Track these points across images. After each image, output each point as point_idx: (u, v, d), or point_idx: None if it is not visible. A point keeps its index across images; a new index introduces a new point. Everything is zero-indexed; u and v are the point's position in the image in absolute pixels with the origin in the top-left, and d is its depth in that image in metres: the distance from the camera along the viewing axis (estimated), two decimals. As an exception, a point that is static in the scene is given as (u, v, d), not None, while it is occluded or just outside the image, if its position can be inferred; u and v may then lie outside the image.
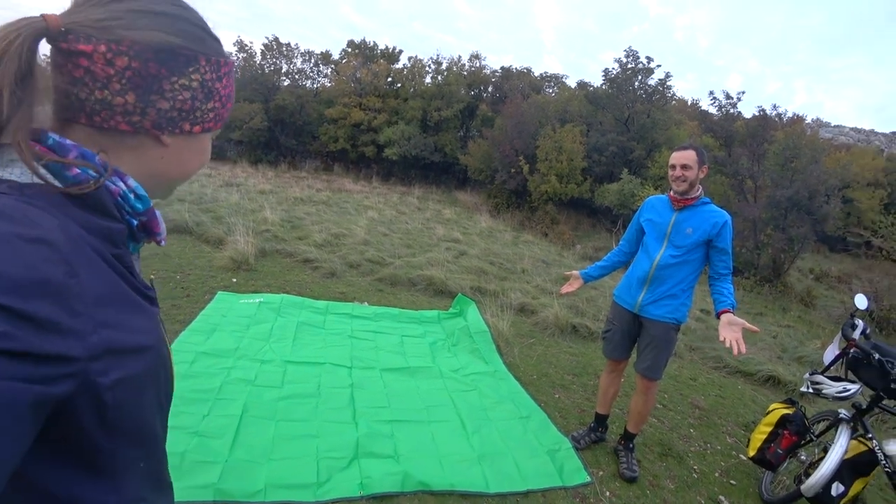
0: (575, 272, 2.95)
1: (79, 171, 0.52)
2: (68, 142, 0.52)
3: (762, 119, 14.10)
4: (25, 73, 0.48)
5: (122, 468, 0.56)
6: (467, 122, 24.07)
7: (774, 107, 14.81)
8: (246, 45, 25.09)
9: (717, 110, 16.60)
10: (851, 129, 33.17)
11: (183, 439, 2.35)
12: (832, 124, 33.35)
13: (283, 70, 26.05)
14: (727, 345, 2.21)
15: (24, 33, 0.48)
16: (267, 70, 25.18)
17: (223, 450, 2.32)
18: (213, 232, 6.49)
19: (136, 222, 0.60)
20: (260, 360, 3.27)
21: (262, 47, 25.39)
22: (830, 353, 2.78)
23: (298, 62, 26.44)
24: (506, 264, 8.16)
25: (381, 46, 26.18)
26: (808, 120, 23.76)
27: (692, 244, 2.51)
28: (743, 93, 17.18)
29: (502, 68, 25.35)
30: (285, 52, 25.77)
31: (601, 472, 2.74)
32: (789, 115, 18.27)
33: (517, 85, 23.28)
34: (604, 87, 19.09)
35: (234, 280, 5.03)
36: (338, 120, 23.58)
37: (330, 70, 26.69)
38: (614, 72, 18.03)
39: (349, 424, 2.70)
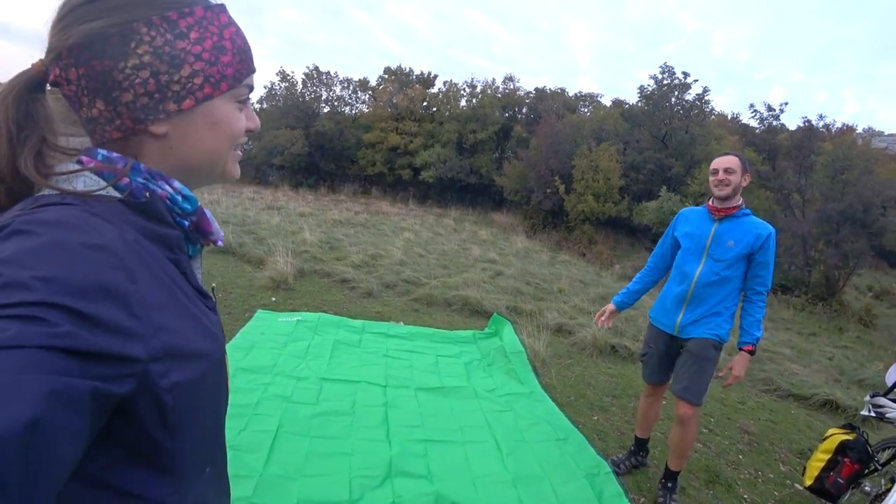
0: (609, 306, 2.75)
1: (128, 179, 0.54)
2: (115, 155, 0.54)
3: (808, 130, 13.56)
4: (23, 118, 0.51)
5: (185, 470, 0.57)
6: (502, 143, 24.20)
7: (821, 117, 14.18)
8: (288, 75, 26.18)
9: (759, 123, 16.11)
10: None
11: None
12: (885, 133, 31.75)
13: (323, 97, 26.99)
14: (723, 376, 2.44)
15: (16, 85, 0.51)
16: (308, 98, 26.13)
17: (258, 464, 2.34)
18: (254, 252, 6.69)
19: (187, 223, 0.60)
20: (296, 377, 3.31)
21: (303, 76, 26.43)
22: (893, 373, 2.59)
23: (338, 89, 27.37)
24: (542, 284, 8.05)
25: (417, 72, 26.81)
26: (860, 129, 22.70)
27: (734, 258, 2.33)
28: (786, 104, 16.67)
29: (536, 89, 25.50)
30: (325, 80, 26.72)
31: (642, 500, 2.61)
32: (838, 125, 17.55)
33: (551, 105, 23.30)
34: (639, 104, 18.86)
35: (274, 299, 5.15)
36: (375, 144, 24.15)
37: (368, 96, 27.48)
38: (650, 88, 17.82)
39: (383, 443, 2.68)
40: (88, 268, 0.43)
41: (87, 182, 0.52)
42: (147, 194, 0.54)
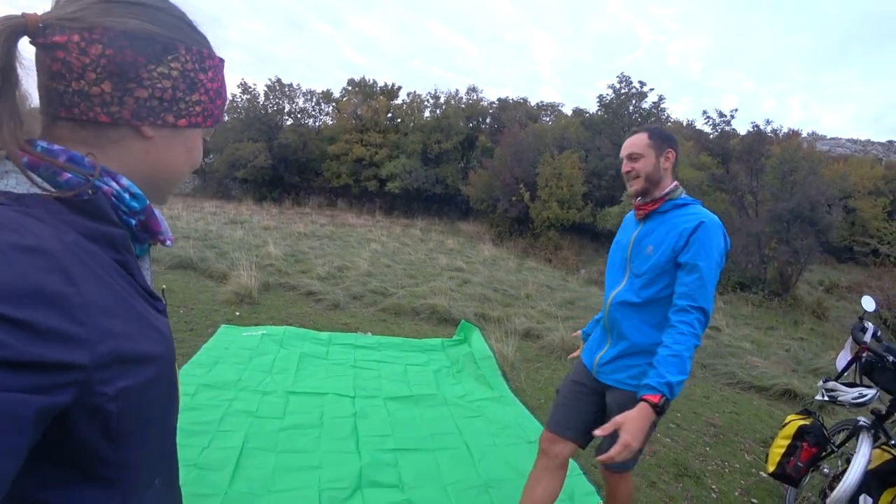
0: (579, 337, 2.21)
1: (70, 175, 0.51)
2: (56, 147, 0.52)
3: (757, 134, 14.23)
4: (6, 68, 0.48)
5: (131, 482, 0.54)
6: (467, 153, 24.41)
7: (768, 122, 14.95)
8: (249, 87, 25.77)
9: (712, 129, 16.80)
10: (848, 140, 33.25)
11: (182, 472, 2.26)
12: (828, 136, 33.49)
13: (286, 110, 26.67)
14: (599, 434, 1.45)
15: (5, 30, 0.48)
16: (270, 110, 25.78)
17: (223, 482, 2.27)
18: (216, 267, 6.52)
19: (134, 222, 0.58)
20: (262, 392, 3.23)
21: (266, 88, 26.07)
22: (843, 358, 2.71)
23: (301, 101, 27.10)
24: (510, 291, 8.12)
25: (381, 83, 26.83)
26: (804, 134, 23.90)
27: (653, 269, 1.66)
28: (736, 110, 17.47)
29: (499, 99, 25.88)
30: (287, 93, 26.43)
31: None
32: (785, 130, 18.43)
33: (514, 115, 23.68)
34: (599, 112, 19.38)
35: (238, 313, 5.03)
36: (340, 156, 23.99)
37: (331, 108, 27.31)
38: (608, 98, 18.36)
39: (352, 454, 2.64)
40: (19, 271, 0.41)
41: (18, 179, 0.49)
42: (90, 191, 0.51)
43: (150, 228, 0.61)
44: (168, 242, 0.65)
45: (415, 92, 26.12)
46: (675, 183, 1.75)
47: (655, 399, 1.42)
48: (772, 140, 14.83)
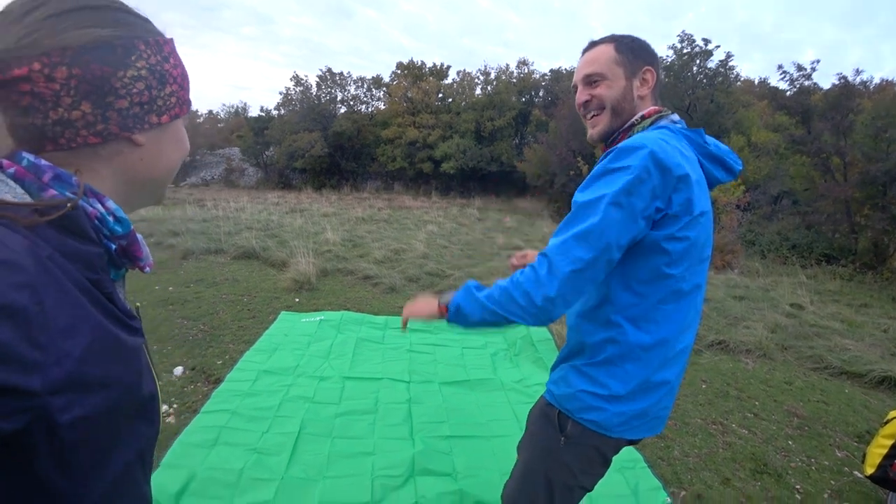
0: None
1: (55, 192, 0.50)
2: (43, 162, 0.50)
3: (844, 88, 12.68)
4: None
5: None
6: (521, 128, 23.88)
7: (858, 72, 13.15)
8: (302, 79, 26.37)
9: (789, 85, 15.25)
10: None
11: (242, 456, 2.38)
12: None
13: (339, 98, 27.10)
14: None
15: None
16: (323, 100, 26.28)
17: (280, 467, 2.32)
18: (277, 255, 6.72)
19: (114, 246, 0.57)
20: (319, 377, 3.27)
21: (317, 79, 26.57)
22: None
23: (352, 89, 27.42)
24: (569, 269, 7.86)
25: (430, 64, 26.62)
26: None
27: None
28: (818, 62, 15.73)
29: (552, 71, 25.00)
30: (339, 81, 26.81)
31: (683, 493, 2.43)
32: (876, 81, 16.49)
33: (568, 86, 22.78)
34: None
35: (297, 300, 5.15)
36: (394, 140, 24.14)
37: (382, 93, 27.45)
38: (669, 59, 17.18)
39: (406, 441, 2.61)
40: None
41: (2, 190, 0.48)
42: (69, 205, 0.49)
43: (131, 254, 0.60)
44: (147, 269, 0.63)
45: (464, 70, 25.79)
46: (641, 112, 1.17)
47: (442, 309, 1.15)
48: (862, 93, 13.30)
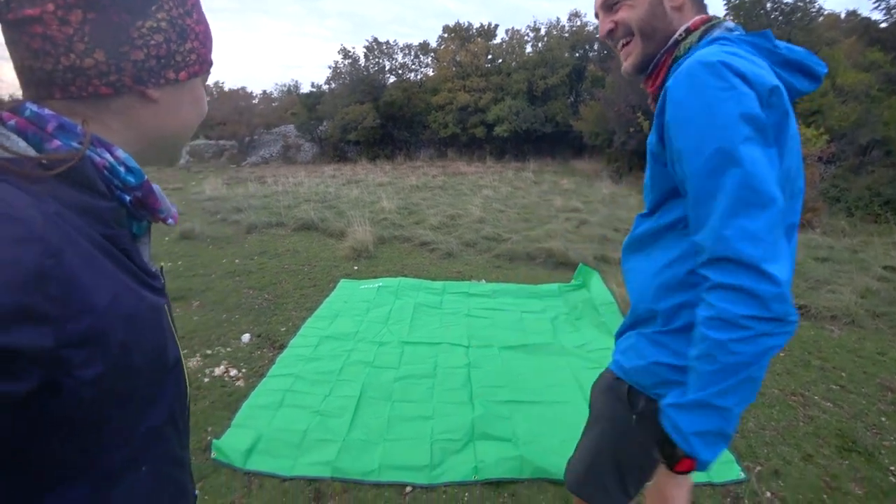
0: None
1: (60, 143, 0.47)
2: (47, 111, 0.48)
3: None
4: None
5: (106, 469, 0.51)
6: (576, 85, 22.86)
7: None
8: (349, 52, 26.32)
9: (885, 15, 13.52)
10: None
11: (306, 418, 2.47)
12: None
13: (387, 67, 26.91)
14: None
15: None
16: (372, 70, 26.19)
17: (341, 429, 2.39)
18: (335, 226, 6.86)
19: (128, 198, 0.54)
20: (378, 342, 3.32)
21: (364, 50, 26.45)
22: None
23: (400, 57, 27.11)
24: (632, 229, 7.52)
25: (477, 25, 25.83)
26: None
27: (645, 186, 1.06)
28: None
29: (610, 21, 23.58)
30: (386, 50, 26.57)
31: (759, 468, 2.26)
32: None
33: (628, 36, 21.48)
34: (728, 16, 16.73)
35: (356, 268, 5.24)
36: (444, 106, 23.83)
37: (430, 59, 27.00)
38: (740, -2, 15.70)
39: (465, 405, 2.60)
40: None
41: (2, 143, 0.45)
42: (73, 156, 0.47)
43: (149, 205, 0.56)
44: (170, 221, 0.60)
45: (513, 28, 24.86)
46: (686, 26, 0.95)
47: (685, 460, 0.87)
48: None
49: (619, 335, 1.15)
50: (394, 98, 24.44)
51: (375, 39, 26.51)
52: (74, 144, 0.48)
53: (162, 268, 0.64)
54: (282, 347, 3.31)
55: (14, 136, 0.46)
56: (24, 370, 0.39)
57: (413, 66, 27.52)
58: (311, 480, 2.09)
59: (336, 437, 2.32)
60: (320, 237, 6.70)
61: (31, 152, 0.46)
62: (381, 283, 4.51)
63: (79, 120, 0.50)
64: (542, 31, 23.83)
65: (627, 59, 1.01)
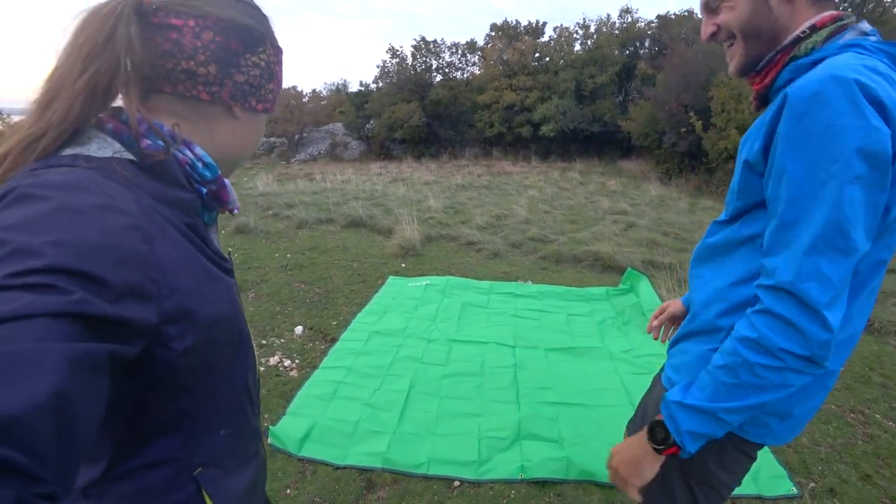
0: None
1: (149, 142, 0.55)
2: (139, 116, 0.55)
3: None
4: (135, 39, 0.54)
5: (194, 428, 0.60)
6: (625, 84, 22.30)
7: None
8: (397, 51, 26.58)
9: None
10: None
11: (358, 409, 2.57)
12: None
13: (434, 66, 27.03)
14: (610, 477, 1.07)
15: (127, 4, 0.54)
16: (419, 69, 26.39)
17: (392, 422, 2.46)
18: (383, 223, 7.00)
19: (205, 190, 0.63)
20: (427, 339, 3.40)
21: (412, 49, 26.65)
22: None
23: (447, 56, 27.18)
24: (682, 234, 7.31)
25: (524, 23, 25.61)
26: None
27: (730, 192, 0.99)
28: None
29: (658, 17, 22.88)
30: (433, 49, 26.69)
31: (812, 484, 2.19)
32: None
33: (678, 32, 20.74)
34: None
35: (403, 265, 5.34)
36: (491, 105, 23.76)
37: (477, 57, 26.96)
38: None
39: (512, 405, 2.64)
40: (102, 230, 0.44)
41: (101, 144, 0.53)
42: (161, 153, 0.55)
43: (220, 197, 0.66)
44: (235, 210, 0.70)
45: (561, 25, 24.41)
46: (812, 22, 0.84)
47: (658, 417, 0.93)
48: None
49: (674, 344, 1.08)
50: (440, 97, 24.55)
51: (423, 38, 26.68)
52: (160, 143, 0.55)
53: (230, 252, 0.74)
54: (333, 340, 3.44)
55: (110, 139, 0.54)
56: (133, 339, 0.45)
57: (460, 65, 27.55)
58: (362, 470, 2.17)
59: (387, 430, 2.40)
60: (368, 234, 6.86)
61: (127, 154, 0.54)
62: (428, 281, 4.60)
63: (172, 120, 0.59)
64: (592, 29, 23.41)
65: (731, 62, 0.96)
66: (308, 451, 2.27)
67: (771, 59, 0.88)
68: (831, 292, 0.73)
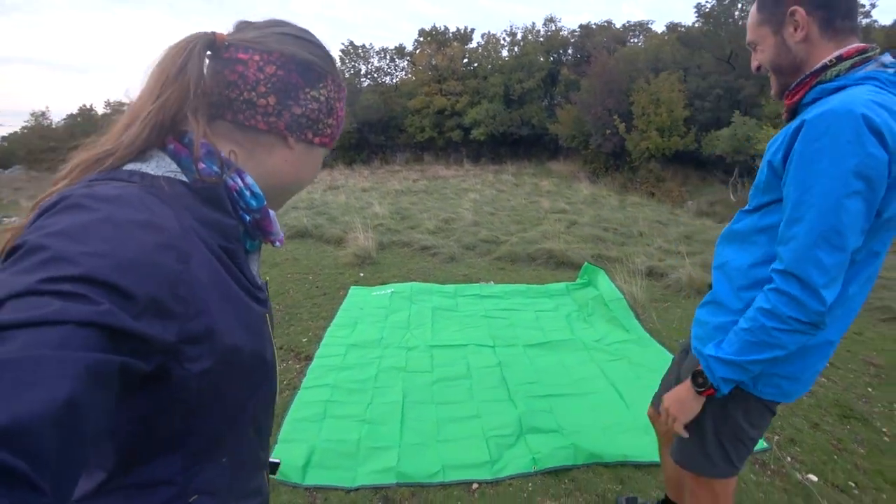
0: None
1: (205, 165, 0.56)
2: (201, 140, 0.57)
3: None
4: (203, 70, 0.58)
5: (195, 453, 0.59)
6: (550, 89, 23.29)
7: None
8: (326, 55, 26.25)
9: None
10: None
11: (355, 427, 2.47)
12: None
13: (363, 71, 26.90)
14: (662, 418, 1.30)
15: (200, 41, 0.58)
16: (347, 74, 26.15)
17: (394, 435, 2.41)
18: (331, 232, 6.85)
19: (248, 218, 0.64)
20: (406, 347, 3.38)
21: (340, 53, 26.34)
22: None
23: (375, 61, 27.16)
24: (620, 229, 7.78)
25: (453, 29, 26.07)
26: None
27: (754, 189, 1.19)
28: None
29: (581, 27, 24.14)
30: (361, 54, 26.56)
31: (777, 437, 2.48)
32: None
33: (600, 41, 22.00)
34: (697, 24, 17.36)
35: (362, 274, 5.26)
36: (421, 109, 23.94)
37: (406, 62, 27.09)
38: (708, 5, 16.35)
39: (506, 402, 2.70)
40: (138, 246, 0.44)
41: (159, 163, 0.55)
42: (216, 178, 0.57)
43: (264, 227, 0.67)
44: (278, 244, 0.70)
45: (489, 32, 25.15)
46: (839, 52, 1.03)
47: (698, 367, 1.17)
48: None
49: (701, 307, 1.31)
50: (370, 102, 24.41)
51: (351, 42, 26.46)
52: (215, 168, 0.57)
53: (267, 281, 0.74)
54: (308, 358, 3.29)
55: (167, 159, 0.56)
56: (148, 355, 0.45)
57: (389, 70, 27.53)
58: (376, 489, 2.08)
59: (392, 444, 2.34)
60: (317, 244, 6.69)
61: (181, 175, 0.56)
62: (392, 289, 4.57)
63: (229, 147, 0.61)
64: (519, 36, 24.27)
65: (773, 88, 1.19)
66: (314, 479, 2.12)
67: (801, 81, 1.08)
68: (827, 277, 0.96)
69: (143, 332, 0.43)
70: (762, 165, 1.12)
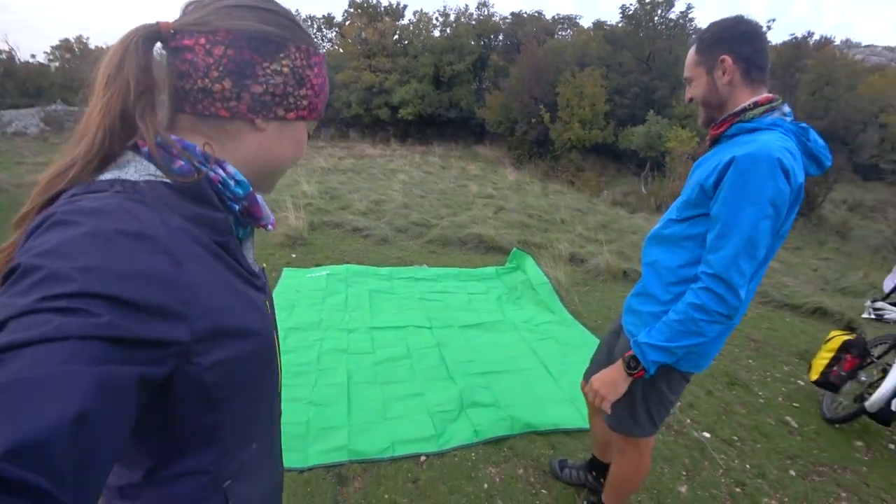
0: None
1: (183, 162, 0.55)
2: (173, 137, 0.57)
3: (795, 47, 13.27)
4: (144, 66, 0.54)
5: (226, 442, 0.62)
6: (480, 74, 23.53)
7: (809, 33, 13.80)
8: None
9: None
10: (884, 48, 30.92)
11: (302, 409, 2.50)
12: (863, 44, 31.14)
13: (288, 39, 25.61)
14: (590, 397, 1.49)
15: (140, 34, 0.54)
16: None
17: (341, 415, 2.48)
18: (259, 210, 6.61)
19: (237, 207, 0.62)
20: (346, 330, 3.43)
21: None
22: (890, 281, 2.97)
23: (301, 29, 25.94)
24: (544, 216, 8.19)
25: (385, 3, 25.44)
26: (838, 42, 21.96)
27: (682, 204, 1.40)
28: (773, 20, 16.24)
29: (513, 14, 24.52)
30: (287, 20, 25.24)
31: (679, 403, 2.89)
32: (816, 37, 17.12)
33: (530, 30, 22.51)
34: (621, 24, 18.33)
35: (294, 255, 5.16)
36: (349, 84, 23.27)
37: (335, 34, 26.13)
38: (632, 7, 17.29)
39: (447, 380, 2.87)
40: (128, 255, 0.45)
41: (138, 167, 0.54)
42: (196, 175, 0.55)
43: (253, 214, 0.65)
44: (270, 227, 0.69)
45: (421, 10, 24.82)
46: (755, 99, 1.27)
47: (628, 353, 1.39)
48: (809, 52, 13.88)
49: (632, 297, 1.56)
50: (294, 73, 23.35)
51: (273, 9, 25.00)
52: (195, 164, 0.56)
53: (264, 268, 0.75)
54: (246, 340, 3.28)
55: (145, 162, 0.54)
56: (164, 360, 0.46)
57: (315, 41, 26.44)
58: (329, 467, 2.15)
59: (341, 424, 2.41)
60: (244, 222, 6.45)
61: (160, 175, 0.54)
62: (328, 271, 4.55)
63: (201, 140, 0.59)
64: (451, 17, 24.14)
65: (699, 118, 1.43)
66: None
67: (725, 119, 1.33)
68: (744, 279, 1.21)
69: (153, 338, 0.44)
70: (692, 185, 1.37)
